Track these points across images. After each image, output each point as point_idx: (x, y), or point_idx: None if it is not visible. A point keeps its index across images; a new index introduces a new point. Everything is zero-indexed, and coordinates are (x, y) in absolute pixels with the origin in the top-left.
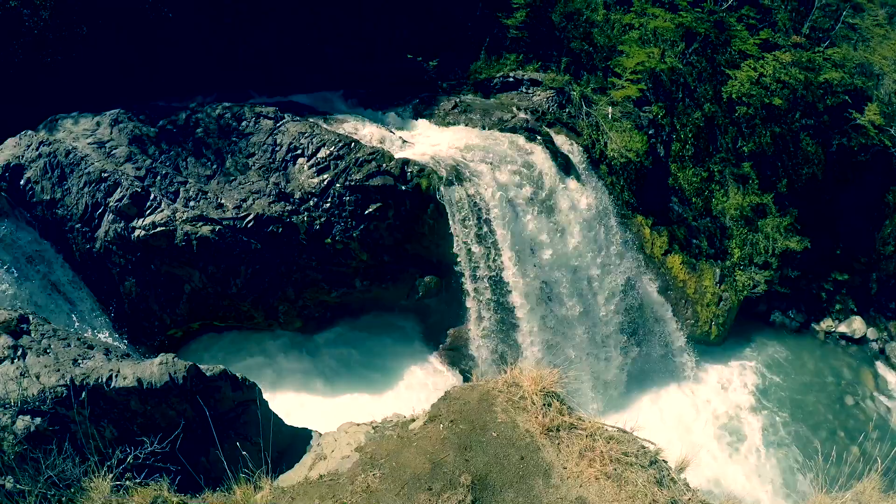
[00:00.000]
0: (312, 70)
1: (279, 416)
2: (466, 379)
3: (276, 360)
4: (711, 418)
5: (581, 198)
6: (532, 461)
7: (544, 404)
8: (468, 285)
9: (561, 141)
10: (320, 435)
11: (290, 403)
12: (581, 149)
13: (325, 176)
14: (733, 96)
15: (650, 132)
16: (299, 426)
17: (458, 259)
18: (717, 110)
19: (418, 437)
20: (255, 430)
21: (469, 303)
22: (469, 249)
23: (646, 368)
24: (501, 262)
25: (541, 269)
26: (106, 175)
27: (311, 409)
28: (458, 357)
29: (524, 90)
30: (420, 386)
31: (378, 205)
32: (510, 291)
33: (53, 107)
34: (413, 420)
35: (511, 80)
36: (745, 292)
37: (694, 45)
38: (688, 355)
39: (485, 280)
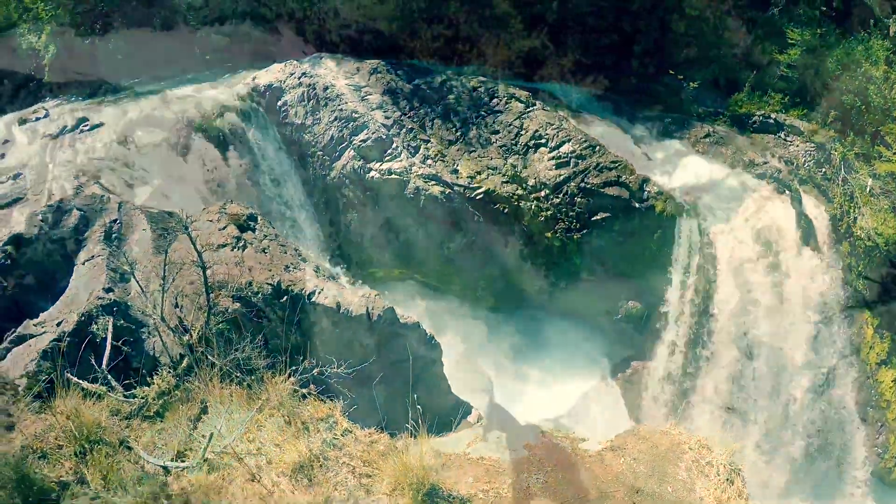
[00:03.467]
0: (574, 65)
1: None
2: (633, 415)
3: (459, 328)
4: None
5: (814, 272)
6: None
7: (727, 479)
8: (667, 325)
9: (808, 203)
10: (480, 416)
11: (455, 373)
12: (828, 218)
13: (562, 171)
14: None
15: None
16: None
17: (668, 295)
18: None
19: (593, 460)
20: (423, 387)
21: (660, 343)
22: (683, 289)
23: (809, 479)
24: (712, 310)
25: (748, 333)
26: (356, 116)
27: (472, 385)
28: (632, 391)
29: (782, 136)
30: (586, 405)
31: (607, 215)
32: (709, 344)
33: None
34: (584, 440)
35: (771, 121)
36: None
37: None
38: (862, 486)
39: (686, 324)
